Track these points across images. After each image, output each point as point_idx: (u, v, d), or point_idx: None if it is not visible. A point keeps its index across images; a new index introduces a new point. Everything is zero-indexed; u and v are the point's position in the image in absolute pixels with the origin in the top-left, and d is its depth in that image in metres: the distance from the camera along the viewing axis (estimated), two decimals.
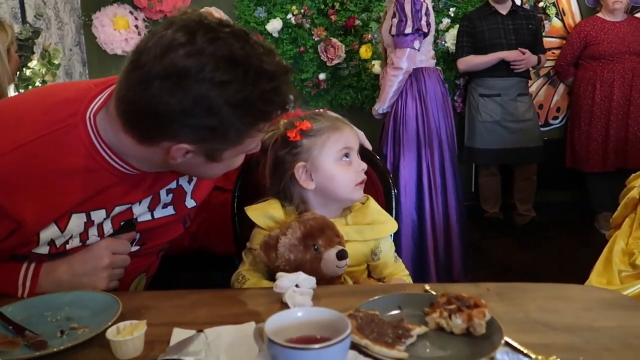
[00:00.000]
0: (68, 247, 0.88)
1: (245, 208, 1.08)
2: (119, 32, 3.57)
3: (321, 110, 1.27)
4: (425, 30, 2.39)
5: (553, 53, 3.57)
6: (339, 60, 3.59)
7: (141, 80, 0.75)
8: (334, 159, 1.04)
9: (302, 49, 3.61)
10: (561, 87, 3.74)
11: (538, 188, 3.42)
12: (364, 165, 1.09)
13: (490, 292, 0.82)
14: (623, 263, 1.22)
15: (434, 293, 0.81)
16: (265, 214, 1.05)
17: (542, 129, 3.53)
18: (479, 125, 3.21)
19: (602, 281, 1.24)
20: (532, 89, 3.64)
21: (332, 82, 3.67)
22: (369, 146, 1.27)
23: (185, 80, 0.74)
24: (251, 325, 0.70)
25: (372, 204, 1.12)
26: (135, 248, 0.99)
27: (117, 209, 0.91)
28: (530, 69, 3.24)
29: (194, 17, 0.77)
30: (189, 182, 1.03)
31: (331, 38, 3.57)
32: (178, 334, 0.70)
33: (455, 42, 3.43)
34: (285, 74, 0.81)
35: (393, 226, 1.12)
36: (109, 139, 0.85)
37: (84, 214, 0.87)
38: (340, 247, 0.94)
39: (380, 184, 1.32)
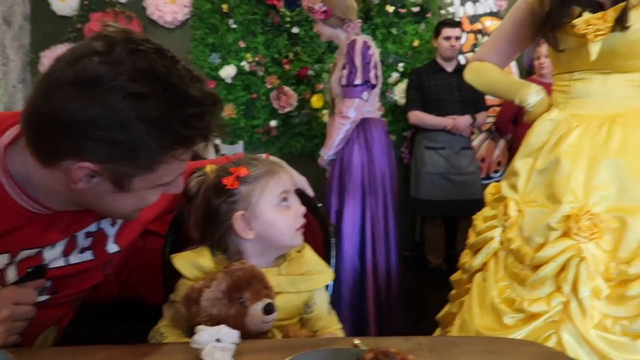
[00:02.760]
0: None
1: (171, 256, 1.01)
2: None
3: (263, 155, 1.24)
4: (374, 82, 2.45)
5: (494, 110, 3.75)
6: (290, 108, 3.63)
7: (48, 87, 0.69)
8: (273, 205, 1.00)
9: (254, 95, 3.64)
10: (502, 142, 3.91)
11: None
12: (303, 209, 1.06)
13: (422, 346, 0.79)
14: (510, 308, 1.24)
15: (364, 348, 0.78)
16: (194, 263, 0.99)
17: (484, 181, 3.63)
18: (425, 177, 3.28)
19: (493, 326, 1.25)
20: (475, 143, 3.79)
21: (283, 129, 3.69)
22: (310, 193, 1.25)
23: (95, 87, 0.68)
24: None
25: (308, 252, 1.08)
26: (44, 297, 0.90)
27: (24, 253, 0.83)
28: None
29: (119, 30, 0.73)
30: (112, 224, 0.96)
31: (284, 86, 3.62)
32: None
33: (403, 95, 3.56)
34: (212, 104, 0.76)
35: (328, 277, 1.09)
36: (17, 172, 0.78)
37: None
38: (267, 301, 0.88)
39: (321, 232, 1.30)
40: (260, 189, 0.99)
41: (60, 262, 0.90)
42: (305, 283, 1.03)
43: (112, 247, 0.96)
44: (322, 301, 1.06)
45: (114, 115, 0.69)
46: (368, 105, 2.49)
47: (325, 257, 1.22)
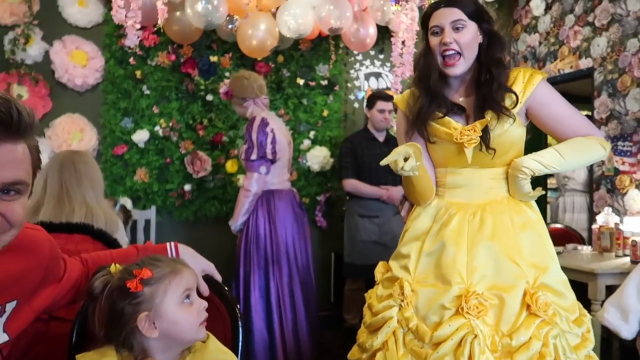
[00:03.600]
0: None
1: (76, 357, 1.01)
2: None
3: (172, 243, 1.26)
4: (271, 157, 2.56)
5: None
6: (205, 173, 3.65)
7: None
8: (177, 304, 1.03)
9: (168, 160, 3.63)
10: (407, 205, 4.19)
11: None
12: (205, 303, 1.09)
13: None
14: None
15: None
16: None
17: None
18: (359, 244, 3.28)
19: None
20: None
21: (198, 193, 3.69)
22: (219, 278, 1.29)
23: None
24: None
25: (212, 342, 1.11)
26: None
27: None
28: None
29: None
30: (1, 314, 0.94)
31: (198, 151, 3.65)
32: None
33: (315, 161, 3.74)
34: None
35: None
36: None
37: None
38: None
39: (228, 316, 1.32)
40: (164, 289, 1.02)
41: None
42: None
43: (1, 337, 0.93)
44: None
45: None
46: (272, 178, 2.60)
47: (234, 340, 1.26)
